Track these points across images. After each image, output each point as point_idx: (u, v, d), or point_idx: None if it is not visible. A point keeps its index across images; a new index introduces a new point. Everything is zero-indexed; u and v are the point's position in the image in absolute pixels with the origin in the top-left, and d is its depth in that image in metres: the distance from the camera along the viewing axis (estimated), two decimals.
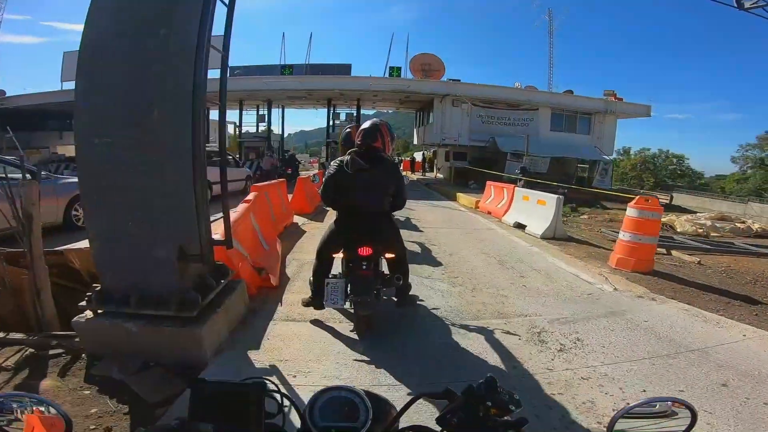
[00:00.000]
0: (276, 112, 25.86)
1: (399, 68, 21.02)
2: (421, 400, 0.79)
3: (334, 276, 3.04)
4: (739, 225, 10.85)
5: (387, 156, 3.19)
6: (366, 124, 3.17)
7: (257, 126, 24.13)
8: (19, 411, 0.69)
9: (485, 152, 20.24)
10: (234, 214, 3.92)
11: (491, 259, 5.59)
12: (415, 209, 10.46)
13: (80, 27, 2.42)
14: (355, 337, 2.99)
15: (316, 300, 3.04)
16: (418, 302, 3.66)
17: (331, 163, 3.16)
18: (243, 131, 24.05)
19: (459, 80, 21.45)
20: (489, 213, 9.91)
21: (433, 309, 3.62)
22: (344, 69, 21.11)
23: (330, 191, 3.03)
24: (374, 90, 20.43)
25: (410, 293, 3.37)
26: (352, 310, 3.05)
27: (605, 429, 0.74)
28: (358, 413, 0.74)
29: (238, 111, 23.22)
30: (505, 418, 0.71)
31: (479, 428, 0.69)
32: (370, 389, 0.85)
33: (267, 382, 0.78)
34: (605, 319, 3.54)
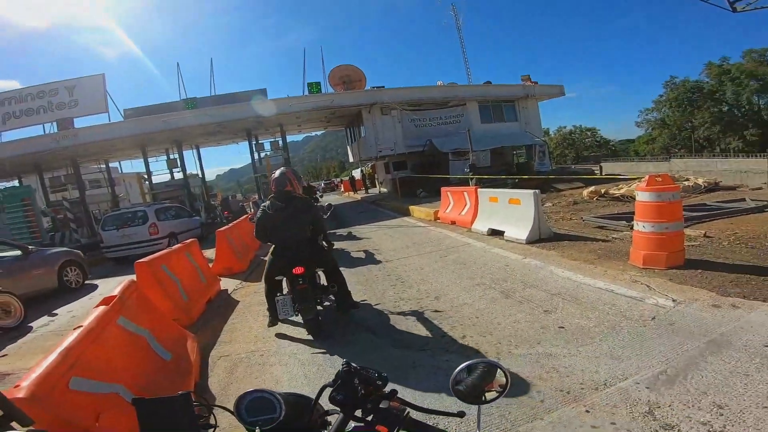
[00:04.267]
0: (191, 154, 23.02)
1: (318, 83, 19.45)
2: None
3: (282, 294, 3.69)
4: (686, 183, 10.80)
5: (298, 195, 3.90)
6: (276, 174, 3.90)
7: (171, 173, 21.09)
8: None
9: (425, 156, 19.40)
10: (76, 334, 2.13)
11: (491, 291, 4.27)
12: (371, 237, 8.99)
13: None
14: (311, 338, 3.61)
15: (273, 316, 3.73)
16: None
17: (259, 209, 3.83)
18: (154, 182, 20.88)
19: (383, 86, 20.53)
20: (453, 223, 8.74)
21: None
22: (259, 95, 19.07)
23: (262, 230, 3.75)
24: (296, 111, 18.72)
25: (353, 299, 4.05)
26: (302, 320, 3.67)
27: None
28: (275, 408, 0.94)
29: (142, 160, 20.14)
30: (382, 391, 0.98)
31: (361, 402, 0.95)
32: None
33: (191, 393, 0.96)
34: (714, 357, 2.43)
